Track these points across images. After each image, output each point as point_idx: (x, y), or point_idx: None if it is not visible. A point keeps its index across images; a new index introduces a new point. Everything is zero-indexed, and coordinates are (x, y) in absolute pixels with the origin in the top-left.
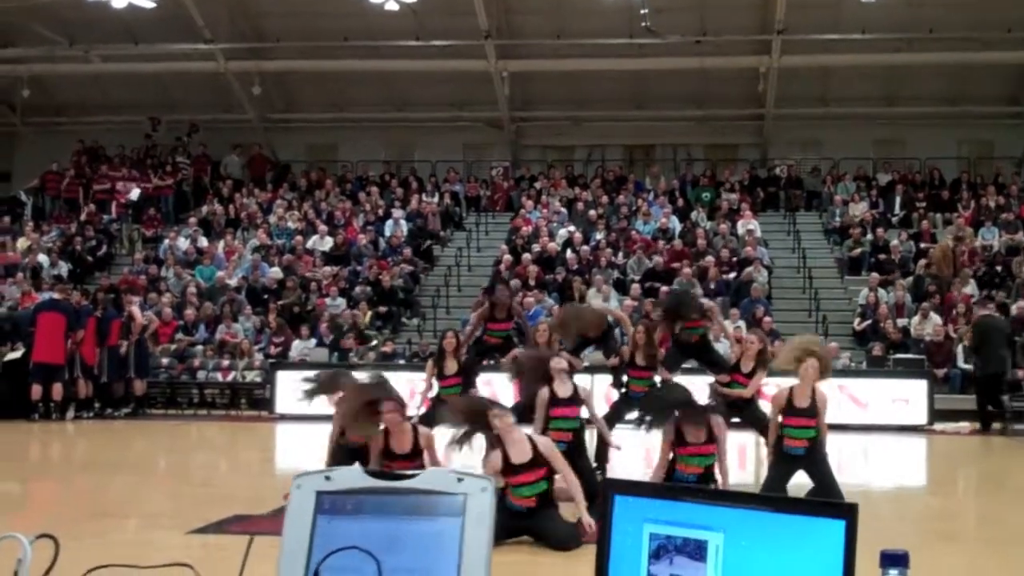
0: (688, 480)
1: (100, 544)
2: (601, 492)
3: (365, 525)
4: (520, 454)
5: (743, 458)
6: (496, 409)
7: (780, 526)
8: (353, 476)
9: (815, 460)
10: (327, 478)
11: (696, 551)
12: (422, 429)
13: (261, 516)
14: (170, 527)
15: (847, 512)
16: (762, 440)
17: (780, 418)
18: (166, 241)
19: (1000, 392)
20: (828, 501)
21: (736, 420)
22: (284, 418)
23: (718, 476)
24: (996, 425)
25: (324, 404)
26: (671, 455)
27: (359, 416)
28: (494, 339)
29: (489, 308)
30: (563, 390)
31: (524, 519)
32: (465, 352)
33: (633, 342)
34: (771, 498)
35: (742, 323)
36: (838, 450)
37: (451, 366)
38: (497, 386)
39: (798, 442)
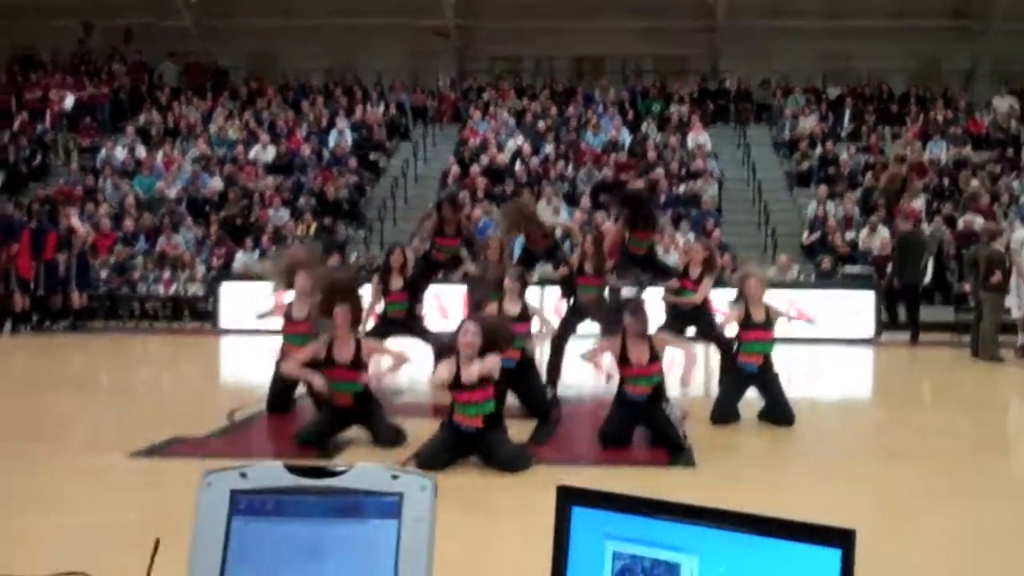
0: (638, 400)
1: (39, 470)
2: (556, 499)
3: (287, 529)
4: (468, 374)
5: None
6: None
7: (765, 552)
8: (273, 473)
9: (768, 377)
10: (242, 475)
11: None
12: (366, 341)
13: (200, 438)
14: (109, 449)
15: (843, 540)
16: (713, 349)
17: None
18: (103, 151)
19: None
20: (823, 526)
21: (690, 333)
22: (228, 332)
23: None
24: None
25: (269, 321)
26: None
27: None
28: (442, 255)
29: (438, 222)
30: (512, 308)
31: (472, 441)
32: (413, 267)
33: (582, 251)
34: (755, 519)
35: (692, 235)
36: (787, 363)
37: (397, 282)
38: (445, 300)
39: (754, 358)
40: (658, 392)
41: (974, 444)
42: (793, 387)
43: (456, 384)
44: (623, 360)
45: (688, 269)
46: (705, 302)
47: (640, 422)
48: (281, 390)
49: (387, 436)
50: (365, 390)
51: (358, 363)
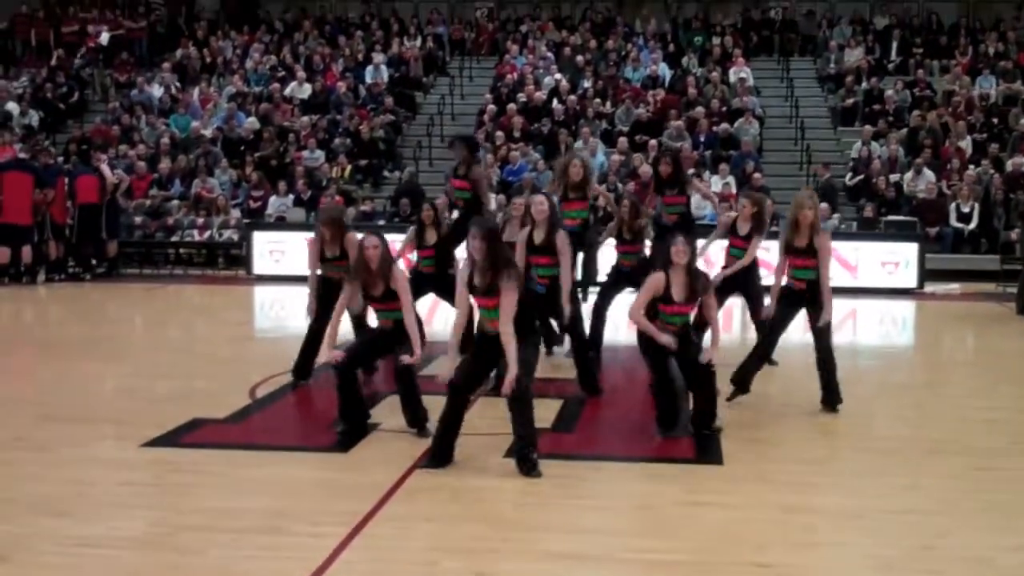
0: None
1: (42, 465)
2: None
3: None
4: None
5: (728, 321)
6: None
7: None
8: None
9: (816, 303)
10: None
11: None
12: (395, 270)
13: (219, 421)
14: (122, 436)
15: None
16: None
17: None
18: (137, 89)
19: None
20: None
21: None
22: (261, 279)
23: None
24: None
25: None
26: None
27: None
28: (459, 200)
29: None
30: (540, 236)
31: (497, 345)
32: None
33: (619, 219)
34: None
35: (731, 179)
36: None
37: (431, 236)
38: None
39: (798, 283)
40: (686, 332)
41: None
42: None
43: (472, 289)
44: (665, 298)
45: (737, 225)
46: (754, 263)
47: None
48: (308, 353)
49: (416, 419)
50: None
51: (391, 295)
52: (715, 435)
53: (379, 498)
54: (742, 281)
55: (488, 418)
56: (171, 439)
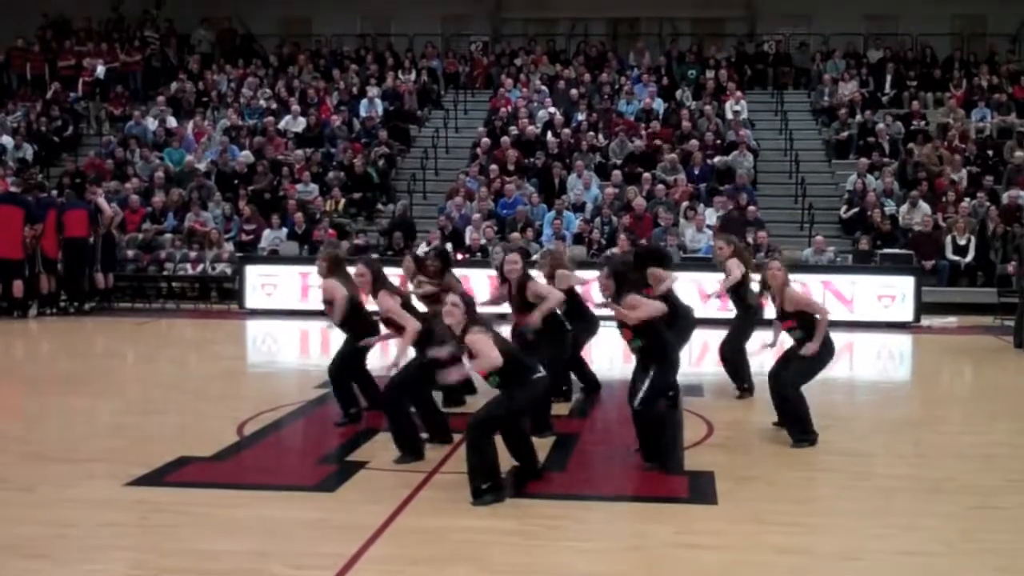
0: None
1: (23, 505)
2: None
3: None
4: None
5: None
6: None
7: None
8: None
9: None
10: None
11: None
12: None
13: (205, 459)
14: (107, 475)
15: None
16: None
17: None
18: (132, 122)
19: None
20: None
21: None
22: (254, 313)
23: None
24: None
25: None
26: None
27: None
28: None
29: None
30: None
31: None
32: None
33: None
34: None
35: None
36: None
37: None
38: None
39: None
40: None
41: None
42: (830, 382)
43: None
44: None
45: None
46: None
47: None
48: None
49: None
50: None
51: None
52: (708, 475)
53: (365, 540)
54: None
55: None
56: (156, 478)
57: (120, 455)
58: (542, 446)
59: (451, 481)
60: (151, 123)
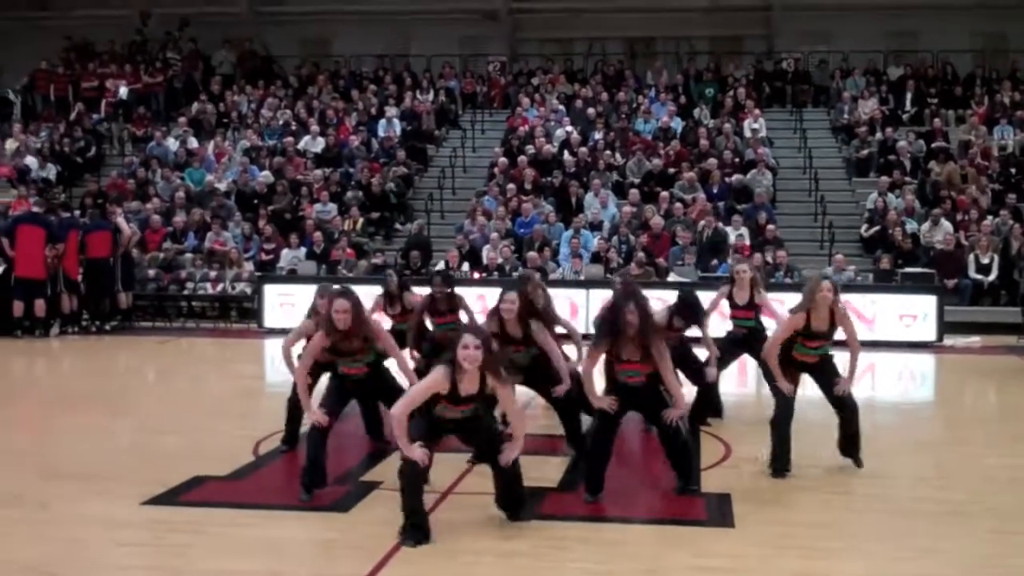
0: (631, 387)
1: (37, 523)
2: None
3: None
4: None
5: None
6: None
7: None
8: None
9: (826, 370)
10: None
11: None
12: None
13: (221, 479)
14: (123, 495)
15: None
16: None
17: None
18: (153, 143)
19: None
20: None
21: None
22: (272, 332)
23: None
24: None
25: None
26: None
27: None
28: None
29: (429, 300)
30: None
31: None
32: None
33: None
34: None
35: (745, 230)
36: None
37: (394, 306)
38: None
39: (809, 358)
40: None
41: None
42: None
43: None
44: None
45: (734, 295)
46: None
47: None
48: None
49: None
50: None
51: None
52: (725, 497)
53: (377, 561)
54: (750, 344)
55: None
56: (171, 497)
57: (136, 473)
58: (557, 465)
59: (464, 502)
60: (172, 144)
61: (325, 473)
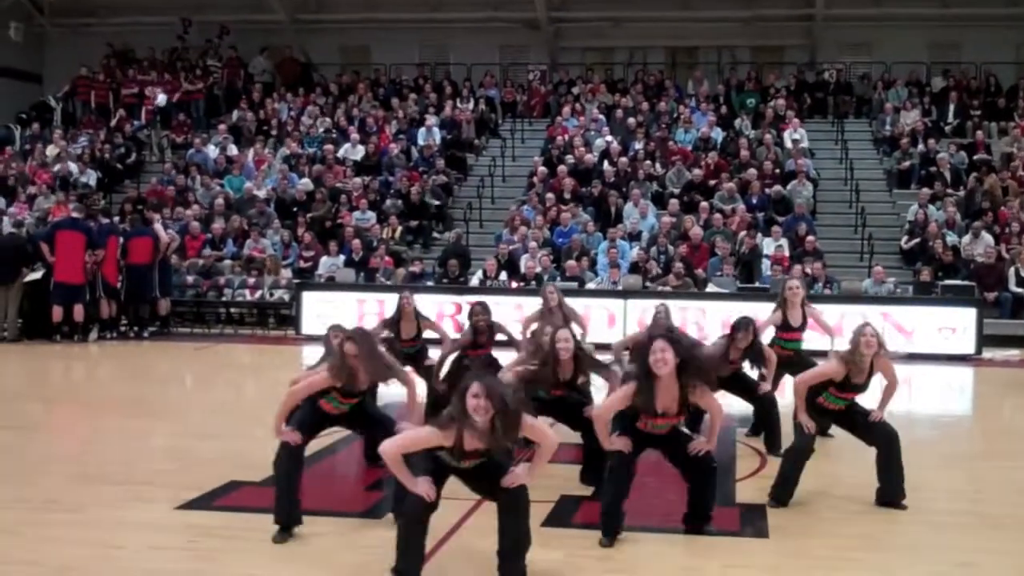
0: (655, 436)
1: (71, 526)
2: None
3: None
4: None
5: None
6: None
7: None
8: None
9: (854, 411)
10: None
11: None
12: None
13: (255, 484)
14: (157, 498)
15: None
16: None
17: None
18: (192, 150)
19: None
20: None
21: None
22: (310, 339)
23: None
24: None
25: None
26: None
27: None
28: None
29: (472, 333)
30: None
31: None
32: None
33: None
34: None
35: (784, 241)
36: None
37: (408, 329)
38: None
39: (836, 406)
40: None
41: None
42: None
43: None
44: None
45: (788, 317)
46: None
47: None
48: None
49: None
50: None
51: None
52: (760, 508)
53: None
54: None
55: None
56: (206, 502)
57: (172, 478)
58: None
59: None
60: (212, 151)
61: (299, 507)
